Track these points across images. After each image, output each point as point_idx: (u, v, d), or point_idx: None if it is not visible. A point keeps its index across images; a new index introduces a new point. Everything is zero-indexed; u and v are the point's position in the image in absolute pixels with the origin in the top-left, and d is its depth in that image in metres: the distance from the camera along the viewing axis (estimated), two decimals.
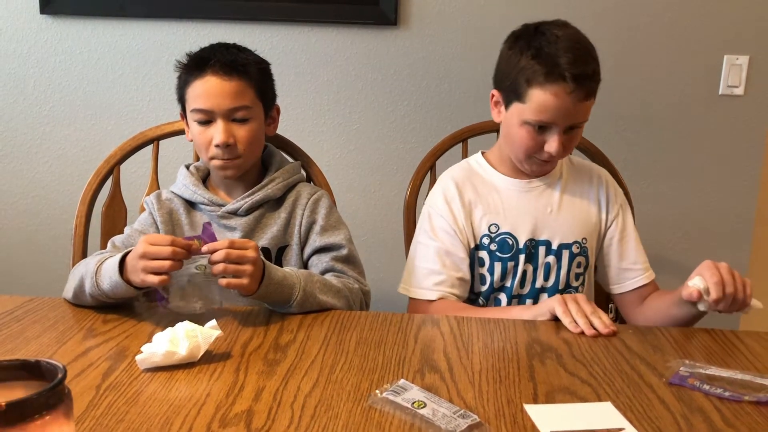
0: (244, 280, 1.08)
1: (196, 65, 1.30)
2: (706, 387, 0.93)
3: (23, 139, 2.13)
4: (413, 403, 0.85)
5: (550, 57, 1.23)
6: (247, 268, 1.07)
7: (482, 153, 1.47)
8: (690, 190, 2.10)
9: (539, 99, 1.25)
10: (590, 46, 1.28)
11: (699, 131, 2.06)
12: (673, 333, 1.14)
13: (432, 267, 1.35)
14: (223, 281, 1.07)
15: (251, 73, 1.31)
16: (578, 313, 1.14)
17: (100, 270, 1.13)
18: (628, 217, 1.43)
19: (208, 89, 1.27)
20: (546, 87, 1.24)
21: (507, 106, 1.33)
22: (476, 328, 1.14)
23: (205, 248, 1.07)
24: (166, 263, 1.04)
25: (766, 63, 2.00)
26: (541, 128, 1.28)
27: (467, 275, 1.37)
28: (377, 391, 0.88)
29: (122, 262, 1.10)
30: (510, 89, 1.31)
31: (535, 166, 1.36)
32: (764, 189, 2.10)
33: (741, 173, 2.08)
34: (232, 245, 1.07)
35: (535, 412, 0.85)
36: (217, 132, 1.28)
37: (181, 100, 1.35)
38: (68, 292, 1.19)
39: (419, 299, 1.35)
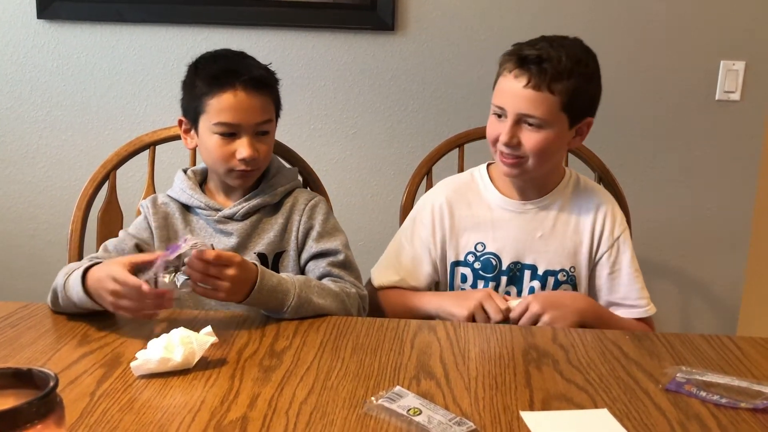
0: (220, 294, 1.10)
1: (225, 77, 1.25)
2: (703, 394, 0.93)
3: (20, 143, 2.13)
4: (409, 410, 0.84)
5: None
6: (224, 284, 1.09)
7: (488, 165, 1.46)
8: (687, 195, 2.10)
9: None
10: (570, 47, 1.28)
11: (696, 136, 2.06)
12: (669, 339, 1.14)
13: (395, 264, 1.43)
14: (198, 290, 1.10)
15: (274, 88, 1.33)
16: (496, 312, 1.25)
17: (67, 283, 1.12)
18: (623, 252, 1.38)
19: (239, 103, 1.25)
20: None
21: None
22: (473, 334, 1.14)
23: (194, 252, 1.06)
24: (137, 312, 1.05)
25: (762, 69, 2.01)
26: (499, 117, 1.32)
27: (422, 286, 1.42)
28: (373, 398, 0.88)
29: (84, 276, 1.09)
30: None
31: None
32: (761, 194, 2.11)
33: (738, 178, 2.08)
34: (218, 259, 1.07)
35: (531, 419, 0.85)
36: (244, 147, 1.26)
37: (195, 110, 1.29)
38: (48, 301, 1.18)
39: (372, 282, 1.44)
